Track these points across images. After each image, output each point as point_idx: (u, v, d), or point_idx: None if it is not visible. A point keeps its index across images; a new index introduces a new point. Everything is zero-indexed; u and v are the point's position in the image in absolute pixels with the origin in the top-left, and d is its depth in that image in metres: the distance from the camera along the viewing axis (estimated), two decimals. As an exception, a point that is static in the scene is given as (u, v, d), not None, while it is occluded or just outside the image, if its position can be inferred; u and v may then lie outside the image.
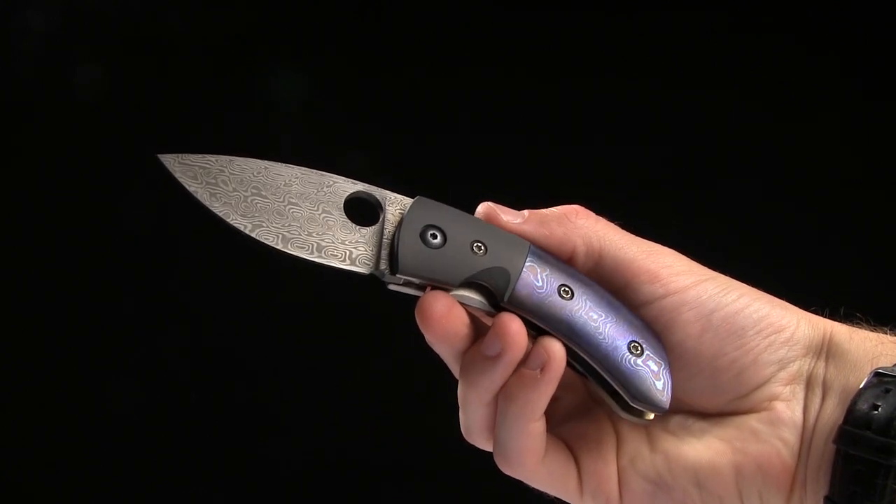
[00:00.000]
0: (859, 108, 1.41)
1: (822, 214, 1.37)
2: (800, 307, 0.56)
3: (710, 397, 0.54)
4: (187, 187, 0.49)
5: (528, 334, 0.52)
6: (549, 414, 0.55)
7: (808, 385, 0.54)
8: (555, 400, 0.55)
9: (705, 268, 0.55)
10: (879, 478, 0.49)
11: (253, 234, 0.49)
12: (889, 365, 0.52)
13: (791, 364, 0.54)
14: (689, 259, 0.55)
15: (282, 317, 1.39)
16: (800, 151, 1.39)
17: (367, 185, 0.51)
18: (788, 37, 1.43)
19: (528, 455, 0.54)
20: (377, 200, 0.51)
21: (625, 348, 0.52)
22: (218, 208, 0.49)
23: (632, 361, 0.52)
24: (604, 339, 0.52)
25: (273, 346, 1.39)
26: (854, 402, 0.51)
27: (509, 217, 0.54)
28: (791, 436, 0.53)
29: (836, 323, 0.55)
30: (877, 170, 1.40)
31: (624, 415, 0.53)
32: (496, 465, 0.55)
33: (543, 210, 0.55)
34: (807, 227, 1.36)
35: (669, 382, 0.53)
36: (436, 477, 1.36)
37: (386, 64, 1.44)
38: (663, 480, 0.54)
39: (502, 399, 0.53)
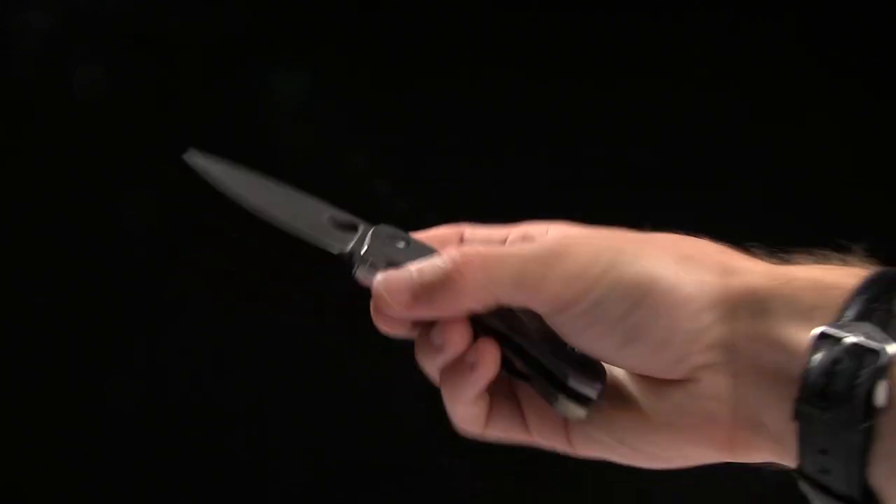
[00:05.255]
0: (859, 109, 1.41)
1: (820, 215, 1.37)
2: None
3: (641, 370, 0.53)
4: (205, 174, 0.58)
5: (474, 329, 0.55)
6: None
7: (732, 350, 0.51)
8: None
9: (601, 243, 0.53)
10: (846, 460, 0.47)
11: (258, 212, 0.58)
12: (831, 318, 0.49)
13: (703, 334, 0.51)
14: (583, 250, 0.53)
15: (282, 316, 1.39)
16: (800, 152, 1.39)
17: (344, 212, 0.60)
18: (788, 36, 1.43)
19: (470, 425, 0.56)
20: (354, 222, 0.59)
21: (560, 339, 0.54)
22: (229, 191, 0.58)
23: (567, 347, 0.54)
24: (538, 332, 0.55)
25: (273, 346, 1.39)
26: (805, 377, 0.48)
27: (394, 311, 0.55)
28: (717, 405, 0.51)
29: (764, 269, 0.52)
30: (877, 171, 1.40)
31: (565, 408, 0.55)
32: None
33: (426, 277, 0.54)
34: (806, 226, 1.36)
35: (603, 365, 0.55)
36: (435, 477, 1.37)
37: (386, 64, 1.44)
38: (603, 442, 0.55)
39: (441, 380, 0.56)
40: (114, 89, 1.39)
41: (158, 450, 1.37)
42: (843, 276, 0.51)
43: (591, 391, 0.54)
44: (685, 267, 0.52)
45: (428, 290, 0.54)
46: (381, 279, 0.55)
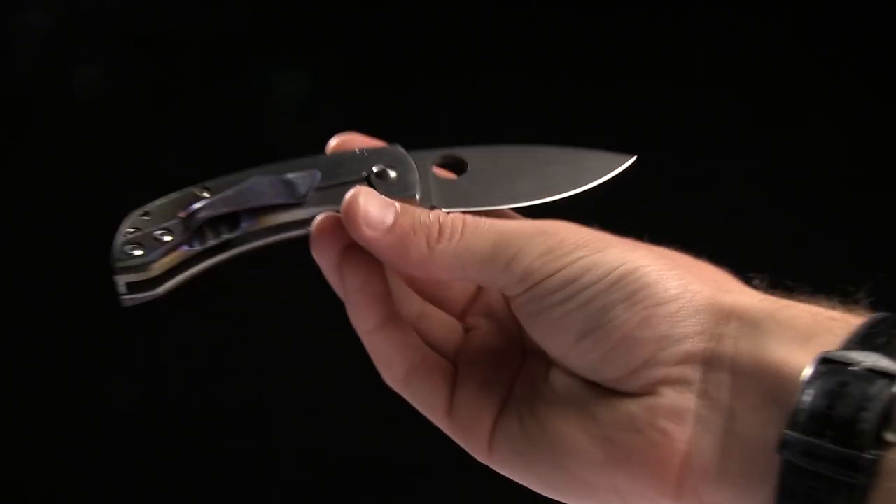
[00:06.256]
0: (859, 109, 1.41)
1: (821, 215, 1.37)
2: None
3: (594, 372, 0.46)
4: None
5: None
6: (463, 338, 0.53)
7: (709, 367, 0.44)
8: (472, 330, 0.53)
9: (591, 235, 0.48)
10: (841, 498, 0.40)
11: None
12: (833, 348, 0.42)
13: (679, 343, 0.45)
14: (569, 233, 0.48)
15: (282, 316, 1.38)
16: (800, 152, 1.39)
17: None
18: (788, 37, 1.43)
19: (384, 366, 0.54)
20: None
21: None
22: None
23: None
24: None
25: (273, 346, 1.39)
26: (801, 401, 0.41)
27: (361, 233, 0.49)
28: (676, 428, 0.44)
29: (759, 295, 0.46)
30: (877, 171, 1.40)
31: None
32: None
33: (410, 218, 0.49)
34: (806, 226, 1.36)
35: None
36: (435, 476, 1.36)
37: (386, 64, 1.44)
38: (526, 452, 0.48)
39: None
40: (114, 89, 1.39)
41: (158, 450, 1.37)
42: (844, 313, 0.45)
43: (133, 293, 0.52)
44: (675, 271, 0.47)
45: (403, 231, 0.49)
46: (365, 196, 0.49)
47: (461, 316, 0.53)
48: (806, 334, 0.43)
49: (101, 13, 1.40)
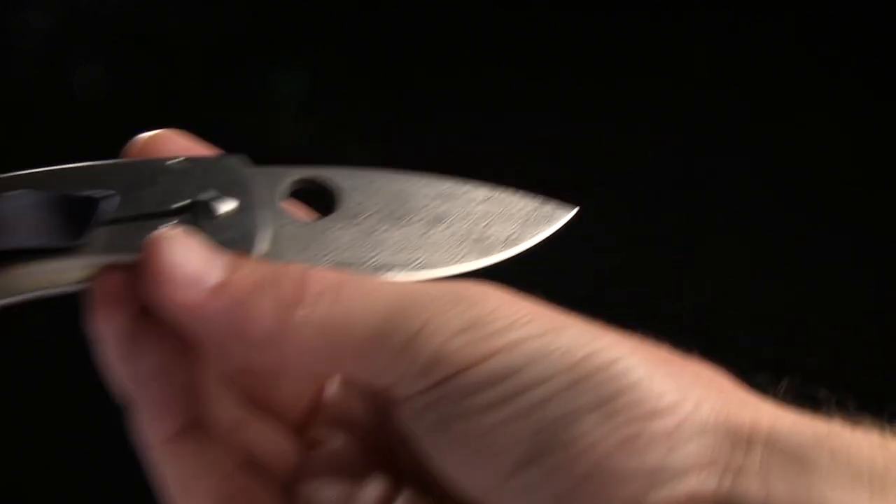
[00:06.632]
0: (859, 109, 1.41)
1: (821, 215, 1.37)
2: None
3: None
4: None
5: None
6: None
7: None
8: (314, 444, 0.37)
9: (532, 308, 0.32)
10: None
11: None
12: None
13: (680, 478, 0.30)
14: (505, 303, 0.32)
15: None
16: (800, 152, 1.39)
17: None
18: (788, 37, 1.43)
19: None
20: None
21: None
22: None
23: None
24: None
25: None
26: None
27: (186, 289, 0.32)
28: None
29: (790, 412, 0.32)
30: (877, 171, 1.40)
31: None
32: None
33: (250, 272, 0.33)
34: (806, 226, 1.36)
35: None
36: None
37: (386, 64, 1.44)
38: None
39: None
40: (114, 89, 1.39)
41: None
42: None
43: None
44: (665, 367, 0.31)
45: (244, 291, 0.32)
46: (176, 243, 0.33)
47: (300, 426, 0.37)
48: (875, 474, 0.29)
49: (101, 13, 1.40)
